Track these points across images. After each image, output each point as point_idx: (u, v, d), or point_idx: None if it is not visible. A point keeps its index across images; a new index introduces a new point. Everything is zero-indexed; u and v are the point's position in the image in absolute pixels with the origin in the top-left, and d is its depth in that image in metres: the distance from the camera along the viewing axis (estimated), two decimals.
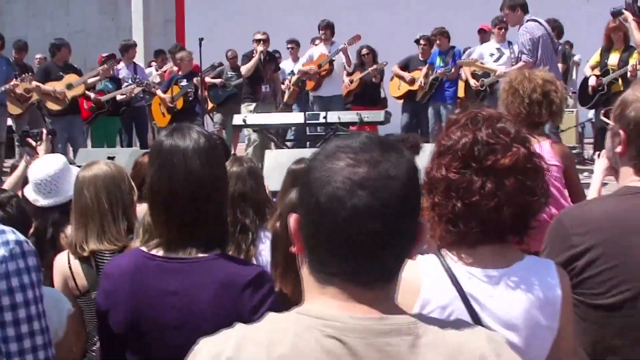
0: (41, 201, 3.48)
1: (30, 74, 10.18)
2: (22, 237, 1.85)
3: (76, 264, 2.98)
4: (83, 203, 3.01)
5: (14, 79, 9.89)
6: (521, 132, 1.77)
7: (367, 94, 10.89)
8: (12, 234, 1.83)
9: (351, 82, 10.82)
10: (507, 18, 7.52)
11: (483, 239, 1.72)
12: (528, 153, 1.73)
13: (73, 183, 3.54)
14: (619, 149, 2.09)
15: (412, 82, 10.27)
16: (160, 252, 2.07)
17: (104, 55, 10.95)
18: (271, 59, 9.92)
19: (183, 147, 2.06)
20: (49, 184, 3.49)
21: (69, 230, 3.41)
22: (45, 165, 3.59)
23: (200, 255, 2.03)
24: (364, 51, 10.93)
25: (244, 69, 9.78)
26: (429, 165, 1.78)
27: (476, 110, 1.81)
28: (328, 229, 1.19)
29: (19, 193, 3.83)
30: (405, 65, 10.48)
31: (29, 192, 3.53)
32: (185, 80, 9.83)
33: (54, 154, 3.83)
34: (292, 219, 1.26)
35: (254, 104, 9.70)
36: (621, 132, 2.06)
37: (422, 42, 10.47)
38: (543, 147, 3.43)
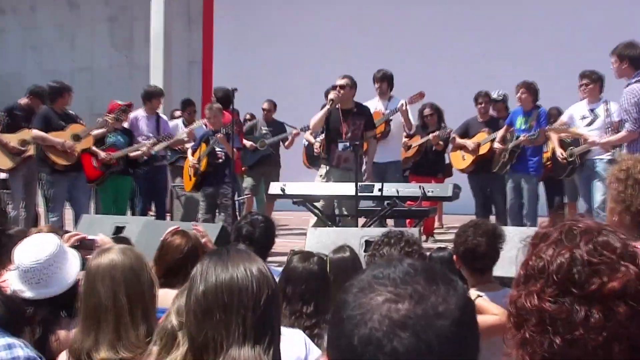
0: (27, 293, 3.32)
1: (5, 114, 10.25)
2: (32, 354, 1.97)
3: None
4: (96, 300, 2.96)
5: None
6: (629, 246, 1.73)
7: (428, 162, 11.04)
8: (21, 349, 1.96)
9: (408, 147, 10.99)
10: (614, 68, 7.55)
11: None
12: None
13: (69, 271, 3.46)
14: None
15: (476, 149, 10.42)
16: None
17: (121, 103, 10.78)
18: (360, 113, 9.52)
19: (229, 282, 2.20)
20: (38, 272, 3.33)
21: (63, 333, 3.33)
22: (34, 247, 3.40)
23: None
24: (427, 111, 11.08)
25: (312, 121, 9.61)
26: (515, 293, 1.77)
27: (570, 221, 1.78)
28: None
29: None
30: (464, 132, 10.66)
31: (13, 280, 3.37)
32: (214, 137, 9.96)
33: (46, 234, 3.72)
34: None
35: (324, 169, 9.48)
36: None
37: (480, 100, 10.62)
38: None
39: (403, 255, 4.04)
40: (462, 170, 10.73)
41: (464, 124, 10.83)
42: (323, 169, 9.54)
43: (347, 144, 9.33)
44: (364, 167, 9.86)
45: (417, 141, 11.02)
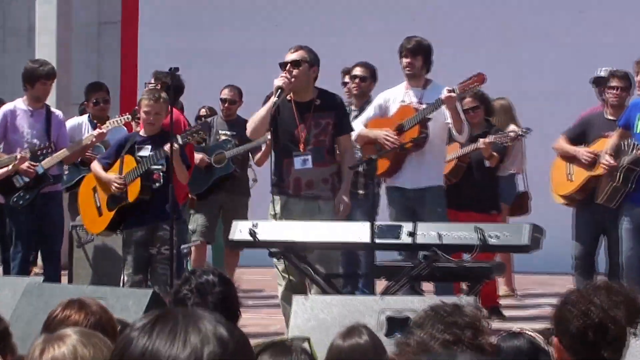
0: None
1: None
2: None
3: None
4: None
5: None
6: None
7: (474, 188, 11.16)
8: None
9: None
10: None
11: None
12: None
13: None
14: None
15: (592, 163, 10.35)
16: None
17: None
18: (327, 105, 9.62)
19: None
20: None
21: None
22: None
23: None
24: (467, 102, 11.15)
25: (249, 125, 9.81)
26: None
27: None
28: None
29: None
30: (580, 135, 10.67)
31: None
32: (149, 146, 9.97)
33: None
34: None
35: (279, 201, 9.55)
36: None
37: (610, 82, 10.61)
38: None
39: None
40: (565, 198, 10.70)
41: (581, 122, 10.90)
42: (277, 202, 9.55)
43: (309, 157, 9.39)
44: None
45: (454, 152, 11.07)
